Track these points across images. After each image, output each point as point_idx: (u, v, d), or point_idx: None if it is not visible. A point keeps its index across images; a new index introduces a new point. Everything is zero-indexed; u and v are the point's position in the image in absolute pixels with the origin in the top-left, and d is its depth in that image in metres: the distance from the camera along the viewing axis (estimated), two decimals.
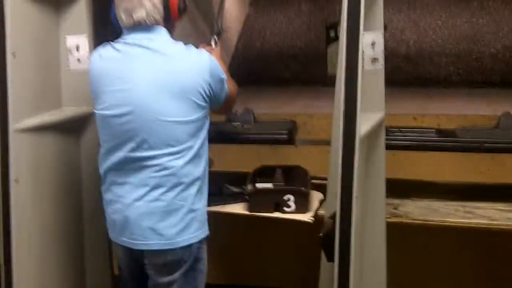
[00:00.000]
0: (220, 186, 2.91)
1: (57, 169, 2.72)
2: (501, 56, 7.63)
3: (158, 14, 2.28)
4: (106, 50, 2.34)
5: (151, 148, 2.25)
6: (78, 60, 2.76)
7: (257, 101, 6.49)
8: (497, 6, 7.78)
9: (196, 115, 2.27)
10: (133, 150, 2.27)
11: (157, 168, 2.26)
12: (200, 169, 2.33)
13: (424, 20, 8.07)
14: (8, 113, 2.41)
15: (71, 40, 2.74)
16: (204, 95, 2.27)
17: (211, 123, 2.44)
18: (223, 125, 3.10)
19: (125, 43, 2.29)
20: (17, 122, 2.45)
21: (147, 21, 2.25)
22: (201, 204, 2.37)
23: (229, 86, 2.44)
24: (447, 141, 2.79)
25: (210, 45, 2.65)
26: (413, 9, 8.04)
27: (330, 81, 7.78)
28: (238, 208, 2.79)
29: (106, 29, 2.71)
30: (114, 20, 2.34)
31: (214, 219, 2.53)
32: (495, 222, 2.61)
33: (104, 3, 2.76)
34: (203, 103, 2.28)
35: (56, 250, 2.73)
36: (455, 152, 2.84)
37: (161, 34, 2.29)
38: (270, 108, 6.44)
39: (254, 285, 3.71)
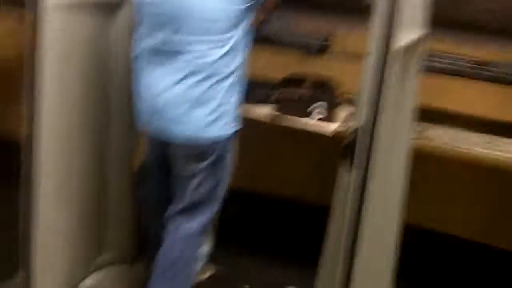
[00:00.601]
0: (250, 87, 2.88)
1: (88, 54, 2.66)
2: None
3: None
4: None
5: (190, 33, 2.23)
6: None
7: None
8: None
9: (240, 5, 2.24)
10: (172, 34, 2.25)
11: (194, 55, 2.25)
12: (235, 64, 2.31)
13: None
14: None
15: None
16: None
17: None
18: (261, 27, 3.04)
19: None
20: None
21: None
22: (233, 100, 2.36)
23: None
24: (483, 69, 2.72)
25: None
26: None
27: (366, 11, 7.62)
28: (265, 111, 2.78)
29: None
30: None
31: (241, 118, 2.52)
32: None
33: None
34: None
35: (80, 130, 2.72)
36: (489, 82, 2.77)
37: None
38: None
39: (271, 192, 3.77)
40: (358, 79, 2.55)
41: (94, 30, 2.69)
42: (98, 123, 2.82)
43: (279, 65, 3.18)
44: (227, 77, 2.29)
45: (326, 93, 2.79)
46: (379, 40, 2.15)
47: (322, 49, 2.94)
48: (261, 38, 2.89)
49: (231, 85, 2.31)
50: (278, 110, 2.73)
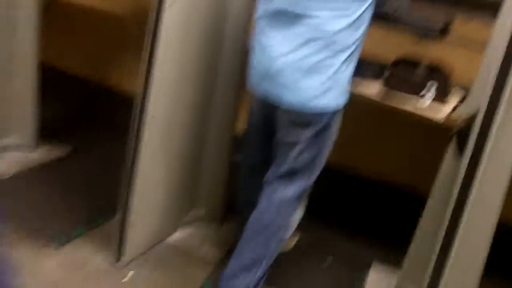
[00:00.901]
0: (363, 64, 2.85)
1: (206, 14, 2.70)
2: None
3: None
4: None
5: (313, 2, 2.20)
6: None
7: None
8: None
9: None
10: (294, 1, 2.23)
11: (317, 21, 2.21)
12: (355, 37, 2.27)
13: None
14: None
15: None
16: None
17: None
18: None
19: None
20: None
21: None
22: (347, 73, 2.33)
23: None
24: None
25: None
26: None
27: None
28: (376, 87, 2.75)
29: None
30: None
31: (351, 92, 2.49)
32: None
33: None
34: None
35: (188, 93, 2.79)
36: None
37: None
38: None
39: (366, 172, 3.74)
40: (475, 67, 2.49)
41: None
42: (206, 82, 2.88)
43: (394, 45, 3.12)
44: (346, 49, 2.26)
45: (440, 78, 2.71)
46: (504, 33, 2.07)
47: (441, 33, 2.84)
48: (379, 15, 2.85)
49: (348, 57, 2.28)
50: (389, 87, 2.67)
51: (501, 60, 2.09)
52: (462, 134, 2.23)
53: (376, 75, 2.78)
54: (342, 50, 2.25)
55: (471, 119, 2.23)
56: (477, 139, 2.12)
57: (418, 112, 2.65)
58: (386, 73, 2.71)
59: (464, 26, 3.16)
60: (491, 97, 2.10)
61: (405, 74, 2.65)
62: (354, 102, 2.49)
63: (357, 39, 2.27)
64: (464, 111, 2.40)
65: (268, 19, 2.32)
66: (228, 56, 2.87)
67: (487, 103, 2.11)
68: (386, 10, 2.84)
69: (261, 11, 2.35)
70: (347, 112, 2.47)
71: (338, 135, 2.51)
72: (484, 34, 2.55)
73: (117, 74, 4.66)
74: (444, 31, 2.90)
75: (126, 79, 4.46)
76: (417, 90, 2.63)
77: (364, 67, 2.82)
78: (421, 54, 2.99)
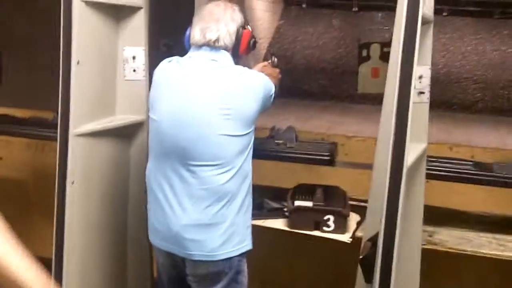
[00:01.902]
0: (260, 200, 3.00)
1: (108, 173, 2.83)
2: None
3: (230, 42, 2.39)
4: (170, 64, 2.44)
5: (198, 160, 2.32)
6: (134, 70, 2.87)
7: (284, 113, 6.64)
8: None
9: (246, 131, 2.36)
10: (180, 160, 2.34)
11: (202, 181, 2.32)
12: (245, 184, 2.40)
13: (453, 45, 8.20)
14: (69, 119, 2.54)
15: (129, 51, 2.86)
16: (256, 112, 2.38)
17: (254, 139, 2.50)
18: (266, 142, 3.20)
19: (189, 59, 2.41)
20: (76, 127, 2.57)
21: (217, 43, 2.37)
22: (244, 219, 2.43)
23: (275, 82, 2.55)
24: (485, 175, 2.87)
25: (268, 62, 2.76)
26: (444, 32, 8.15)
27: (359, 100, 7.90)
28: (278, 224, 2.89)
29: (158, 43, 2.82)
30: (186, 40, 2.46)
31: (253, 232, 2.61)
32: None
33: (158, 19, 2.89)
34: (253, 119, 2.39)
35: (100, 249, 2.83)
36: (492, 186, 2.92)
37: (225, 57, 2.39)
38: (297, 121, 6.60)
39: None
40: (365, 186, 2.70)
41: (115, 152, 2.86)
42: (117, 241, 2.93)
43: (287, 175, 3.31)
44: (236, 198, 2.37)
45: (337, 201, 2.90)
46: (392, 156, 2.29)
47: (329, 162, 3.07)
48: (270, 154, 3.05)
49: (241, 206, 2.39)
50: (291, 224, 2.83)
51: (389, 180, 2.30)
52: (366, 262, 2.37)
53: (277, 211, 2.92)
54: (236, 198, 2.36)
55: (372, 244, 2.38)
56: (379, 264, 2.28)
57: (326, 236, 2.80)
58: (286, 207, 2.84)
59: (349, 147, 3.43)
60: (384, 220, 2.28)
61: (303, 208, 2.80)
62: (263, 237, 2.61)
63: (248, 184, 2.41)
64: (365, 234, 2.57)
65: (161, 178, 2.41)
66: (134, 213, 2.95)
67: (381, 227, 2.28)
68: (276, 148, 3.04)
69: (153, 171, 2.45)
70: (258, 246, 2.58)
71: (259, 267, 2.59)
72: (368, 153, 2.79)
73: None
74: (332, 155, 3.11)
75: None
76: (317, 221, 2.78)
77: (264, 204, 3.00)
78: (313, 178, 3.20)
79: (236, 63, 2.45)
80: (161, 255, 2.54)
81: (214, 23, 2.37)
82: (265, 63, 2.75)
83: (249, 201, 2.47)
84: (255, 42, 2.52)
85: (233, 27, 2.39)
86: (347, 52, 8.39)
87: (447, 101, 7.68)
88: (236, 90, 2.33)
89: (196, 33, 2.39)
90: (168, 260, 2.51)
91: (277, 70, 2.72)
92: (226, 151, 2.32)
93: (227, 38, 2.38)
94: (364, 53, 6.99)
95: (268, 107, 2.49)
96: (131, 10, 2.82)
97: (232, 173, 2.34)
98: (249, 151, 2.41)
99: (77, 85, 2.54)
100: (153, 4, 2.96)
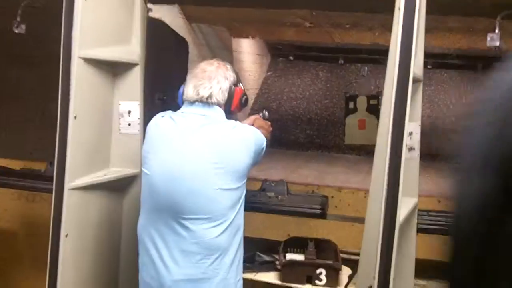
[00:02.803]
0: (252, 253, 3.02)
1: (101, 226, 2.85)
2: None
3: (222, 99, 2.46)
4: (163, 119, 2.49)
5: (190, 214, 2.34)
6: (129, 124, 2.91)
7: (271, 163, 6.68)
8: None
9: (238, 185, 2.39)
10: (173, 214, 2.37)
11: (195, 235, 2.35)
12: (236, 238, 2.43)
13: (438, 97, 8.33)
14: (65, 172, 2.57)
15: (124, 106, 2.90)
16: (248, 165, 2.43)
17: (246, 191, 2.53)
18: (258, 195, 3.23)
19: (182, 114, 2.46)
20: (72, 180, 2.60)
21: (209, 99, 2.43)
22: (236, 273, 2.45)
23: (266, 135, 2.61)
24: None
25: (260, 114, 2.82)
26: (428, 85, 8.28)
27: (346, 150, 7.92)
28: (270, 277, 2.90)
29: (153, 97, 2.87)
30: (180, 97, 2.53)
31: (245, 285, 2.63)
32: None
33: (153, 74, 2.96)
34: (245, 172, 2.43)
35: None
36: None
37: (218, 112, 2.46)
38: (284, 171, 6.63)
39: None
40: (355, 238, 2.74)
41: (108, 204, 2.88)
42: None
43: (279, 227, 3.33)
44: (227, 253, 2.39)
45: (329, 254, 2.92)
46: (384, 211, 2.33)
47: (320, 215, 3.11)
48: (262, 207, 3.09)
49: (233, 260, 2.41)
50: (283, 278, 2.84)
51: (381, 235, 2.33)
52: None
53: (269, 265, 2.94)
54: (227, 252, 2.38)
55: None
56: None
57: None
58: (278, 261, 2.86)
59: (340, 200, 3.47)
60: (379, 277, 2.31)
61: (295, 260, 2.81)
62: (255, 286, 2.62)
63: (239, 238, 2.44)
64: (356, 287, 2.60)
65: (153, 232, 2.42)
66: (126, 266, 2.95)
67: (377, 286, 2.31)
68: (268, 201, 3.07)
69: (145, 225, 2.47)
70: None
71: None
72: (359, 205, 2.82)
73: None
74: (323, 208, 3.15)
75: None
76: (309, 275, 2.80)
77: (256, 257, 3.01)
78: (304, 231, 3.23)
79: (228, 117, 2.50)
80: None
81: (207, 80, 2.44)
82: (257, 115, 2.82)
83: (240, 254, 2.49)
84: (246, 99, 2.60)
85: (225, 85, 2.47)
86: (333, 103, 8.50)
87: (433, 152, 7.75)
88: (228, 145, 2.38)
89: (189, 90, 2.45)
90: None
91: (268, 123, 2.78)
92: (219, 205, 2.35)
93: (220, 95, 2.45)
94: (351, 105, 7.11)
95: (259, 160, 2.54)
96: (128, 67, 2.89)
97: (225, 227, 2.36)
98: (241, 204, 2.44)
99: (73, 139, 2.58)
100: (149, 60, 3.02)
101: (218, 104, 2.46)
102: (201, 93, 2.43)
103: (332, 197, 3.55)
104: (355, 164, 6.64)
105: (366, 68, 8.03)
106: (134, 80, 2.92)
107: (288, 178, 5.69)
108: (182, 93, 2.50)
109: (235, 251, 2.43)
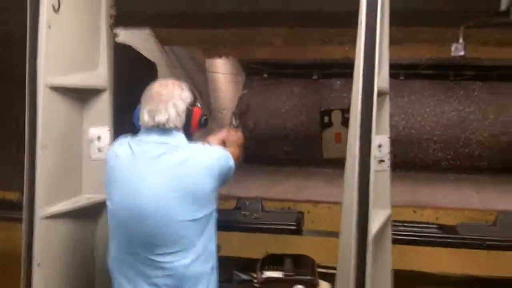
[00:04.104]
0: (229, 272, 3.01)
1: (75, 252, 2.81)
2: (487, 143, 7.93)
3: (180, 122, 2.37)
4: (122, 149, 2.41)
5: (155, 246, 2.29)
6: (99, 149, 2.90)
7: (249, 180, 6.68)
8: (483, 95, 8.12)
9: (204, 212, 2.33)
10: (141, 248, 2.32)
11: (163, 266, 2.30)
12: (208, 264, 2.38)
13: (412, 107, 8.40)
14: (34, 202, 2.55)
15: (94, 132, 2.89)
16: (213, 190, 2.35)
17: (220, 210, 2.49)
18: (233, 213, 3.23)
19: (140, 142, 2.38)
20: (42, 209, 2.58)
21: (167, 125, 2.34)
22: None
23: (235, 152, 2.55)
24: (449, 237, 2.94)
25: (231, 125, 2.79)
26: (402, 96, 8.35)
27: (324, 164, 7.93)
28: None
29: (123, 122, 2.86)
30: (136, 120, 2.44)
31: None
32: None
33: (124, 95, 2.95)
34: (211, 197, 2.35)
35: None
36: (457, 248, 2.99)
37: (176, 138, 2.37)
38: (262, 187, 6.63)
39: None
40: (333, 252, 2.74)
41: (80, 231, 2.85)
42: None
43: (256, 245, 3.33)
44: (200, 280, 2.34)
45: (306, 270, 2.92)
46: (356, 225, 2.34)
47: (295, 231, 3.11)
48: (236, 226, 3.08)
49: (207, 285, 2.37)
50: None
51: (355, 248, 2.34)
52: None
53: (247, 285, 2.94)
54: (200, 279, 2.34)
55: None
56: None
57: None
58: (257, 279, 2.86)
59: (314, 216, 3.48)
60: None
61: (273, 279, 2.81)
62: None
63: (212, 264, 2.39)
64: None
65: (122, 264, 2.38)
66: None
67: None
68: (242, 220, 3.07)
69: (114, 256, 2.42)
70: None
71: None
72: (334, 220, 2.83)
73: None
74: (299, 224, 3.15)
75: None
76: None
77: (233, 278, 3.01)
78: (281, 247, 3.23)
79: (188, 138, 2.43)
80: None
81: (163, 104, 2.34)
82: (229, 130, 2.75)
83: (215, 279, 2.43)
84: (206, 120, 2.49)
85: (182, 107, 2.37)
86: (309, 118, 8.53)
87: (409, 162, 7.82)
88: (188, 173, 2.29)
89: (144, 115, 2.36)
90: None
91: (239, 134, 2.72)
92: (186, 236, 2.29)
93: (177, 118, 2.36)
94: (326, 119, 7.14)
95: (228, 180, 2.46)
96: (96, 92, 2.88)
97: (195, 256, 2.31)
98: (211, 230, 2.38)
99: (42, 168, 2.56)
100: (117, 84, 3.01)
101: (176, 129, 2.37)
102: (157, 119, 2.34)
103: (309, 212, 3.56)
104: (334, 178, 6.64)
105: (338, 82, 8.09)
106: (103, 105, 2.91)
107: (266, 194, 5.72)
108: (138, 117, 2.42)
109: (209, 277, 2.38)
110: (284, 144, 8.61)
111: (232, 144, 2.62)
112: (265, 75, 9.14)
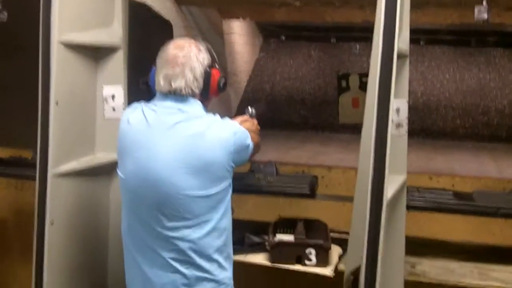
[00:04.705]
0: (242, 235, 2.99)
1: (88, 212, 2.81)
2: (507, 111, 7.83)
3: (197, 88, 2.27)
4: (134, 115, 2.32)
5: (166, 219, 2.22)
6: (113, 108, 2.87)
7: (265, 144, 6.65)
8: (504, 62, 8.01)
9: (218, 188, 2.24)
10: (151, 219, 2.25)
11: (173, 240, 2.23)
12: (220, 240, 2.29)
13: (431, 73, 8.30)
14: (48, 159, 2.54)
15: (108, 90, 2.86)
16: (228, 167, 2.25)
17: (234, 173, 2.40)
18: (247, 176, 3.20)
19: (155, 109, 2.28)
20: (55, 167, 2.57)
21: (183, 91, 2.24)
22: (224, 274, 2.32)
23: (254, 138, 2.41)
24: (465, 205, 2.90)
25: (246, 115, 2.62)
26: (421, 61, 8.25)
27: (340, 129, 7.92)
28: (259, 259, 2.87)
29: (137, 80, 2.81)
30: (152, 83, 2.34)
31: (235, 267, 2.60)
32: (509, 286, 2.69)
33: (138, 56, 2.92)
34: (226, 174, 2.26)
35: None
36: (472, 215, 2.94)
37: (193, 106, 2.27)
38: (277, 152, 6.61)
39: None
40: (346, 217, 2.71)
41: (95, 190, 2.85)
42: (98, 282, 2.92)
43: (269, 209, 3.31)
44: (212, 255, 2.27)
45: (318, 234, 2.90)
46: (371, 190, 2.31)
47: (309, 195, 3.08)
48: (250, 189, 3.06)
49: (220, 261, 2.29)
50: (272, 259, 2.82)
51: (369, 214, 2.31)
52: None
53: (259, 246, 2.92)
54: (212, 254, 2.26)
55: (355, 277, 2.39)
56: None
57: (308, 270, 2.79)
58: (268, 242, 2.84)
59: (329, 180, 3.45)
60: (366, 253, 2.29)
61: (285, 242, 2.79)
62: (245, 268, 2.60)
63: (224, 239, 2.30)
64: (347, 268, 2.58)
65: (133, 234, 2.32)
66: (114, 253, 2.92)
67: (363, 260, 2.29)
68: (256, 183, 3.05)
69: (126, 224, 2.36)
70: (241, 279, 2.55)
71: None
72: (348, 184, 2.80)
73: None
74: (312, 188, 3.13)
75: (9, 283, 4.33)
76: (299, 255, 2.78)
77: (245, 238, 2.99)
78: (294, 211, 3.21)
79: (206, 104, 2.34)
80: None
81: (179, 68, 2.23)
82: (244, 117, 2.58)
83: (229, 255, 2.36)
84: (225, 83, 2.38)
85: (200, 70, 2.26)
86: (326, 83, 8.47)
87: (427, 129, 7.76)
88: (203, 145, 2.19)
89: (161, 80, 2.25)
90: None
91: (255, 122, 2.57)
92: (198, 211, 2.21)
93: (194, 84, 2.25)
94: (344, 83, 7.08)
95: (245, 159, 2.36)
96: (110, 51, 2.83)
97: (206, 230, 2.23)
98: (226, 206, 2.29)
99: (55, 125, 2.55)
100: (132, 44, 2.97)
101: (193, 94, 2.27)
102: (174, 85, 2.23)
103: (323, 177, 3.53)
104: (350, 143, 6.62)
105: (357, 46, 7.99)
106: (117, 64, 2.86)
107: (281, 159, 5.70)
108: (154, 81, 2.31)
109: (222, 253, 2.30)
110: (300, 108, 8.58)
111: (249, 132, 2.50)
112: (283, 38, 9.07)
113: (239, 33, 8.50)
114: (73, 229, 2.72)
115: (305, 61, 9.06)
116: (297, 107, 8.63)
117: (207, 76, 2.29)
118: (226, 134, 2.24)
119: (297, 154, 6.78)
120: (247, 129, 2.38)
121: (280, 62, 9.23)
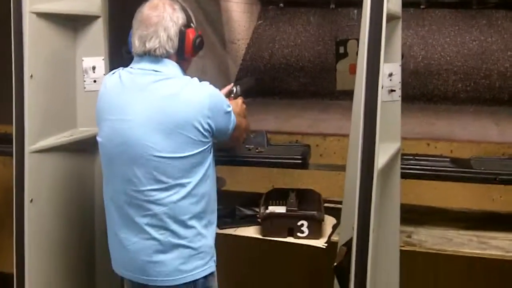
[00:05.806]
0: (232, 207, 2.90)
1: (72, 188, 2.73)
2: (509, 74, 7.69)
3: (172, 48, 2.21)
4: (111, 78, 2.29)
5: (141, 183, 2.18)
6: (94, 81, 2.76)
7: (264, 113, 6.55)
8: (507, 24, 7.83)
9: (192, 151, 2.17)
10: (125, 183, 2.21)
11: (147, 204, 2.19)
12: (198, 207, 2.24)
13: (432, 37, 8.14)
14: (24, 135, 2.44)
15: (88, 62, 2.75)
16: (203, 130, 2.17)
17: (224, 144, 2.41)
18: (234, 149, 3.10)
19: (131, 71, 2.25)
20: (32, 143, 2.48)
21: (158, 51, 2.19)
22: (203, 242, 2.27)
23: (239, 119, 2.37)
24: (462, 172, 2.78)
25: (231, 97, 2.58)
26: (422, 25, 8.09)
27: (340, 96, 7.85)
28: (250, 232, 2.78)
29: (120, 50, 2.71)
30: (130, 47, 2.29)
31: (225, 241, 2.53)
32: (509, 254, 2.60)
33: (120, 25, 2.79)
34: (202, 139, 2.19)
35: (66, 267, 2.74)
36: (470, 182, 2.84)
37: (168, 67, 2.22)
38: (277, 120, 6.51)
39: None
40: (341, 187, 2.61)
41: (77, 166, 2.76)
42: (84, 259, 2.85)
43: (262, 180, 3.22)
44: (189, 220, 2.22)
45: (311, 205, 2.80)
46: (361, 159, 2.20)
47: (301, 165, 2.97)
48: (240, 160, 2.96)
49: (198, 228, 2.24)
50: (264, 232, 2.73)
51: (359, 183, 2.21)
52: (341, 269, 2.29)
53: (250, 218, 2.84)
54: (189, 220, 2.22)
55: (348, 249, 2.30)
56: (357, 273, 2.19)
57: (300, 242, 2.70)
58: (259, 214, 2.75)
59: (322, 148, 3.34)
60: (358, 224, 2.20)
61: (276, 214, 2.70)
62: (237, 242, 2.52)
63: (204, 205, 2.26)
64: (341, 239, 2.48)
65: (113, 201, 2.29)
66: (101, 229, 2.83)
67: (355, 231, 2.20)
68: (247, 154, 2.94)
69: (106, 192, 2.33)
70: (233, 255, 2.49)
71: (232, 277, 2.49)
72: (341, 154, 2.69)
73: None
74: (305, 158, 3.02)
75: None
76: (291, 227, 2.69)
77: (236, 211, 2.90)
78: (288, 182, 3.11)
79: (185, 66, 2.30)
80: (126, 284, 2.41)
81: (153, 28, 2.19)
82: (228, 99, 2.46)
83: (210, 221, 2.31)
84: (201, 42, 2.30)
85: (174, 30, 2.21)
86: (326, 50, 8.33)
87: (428, 93, 7.64)
88: (176, 106, 2.14)
89: (136, 41, 2.22)
90: (132, 284, 2.36)
91: (240, 101, 2.52)
92: (170, 173, 2.16)
93: (169, 44, 2.20)
94: (341, 50, 6.92)
95: (226, 127, 2.28)
96: (88, 20, 2.72)
97: (182, 194, 2.19)
98: (204, 171, 2.23)
99: (31, 100, 2.44)
100: (113, 12, 2.85)
101: (168, 55, 2.21)
102: (148, 45, 2.18)
103: (317, 145, 3.43)
104: (350, 110, 6.49)
105: (355, 11, 7.83)
106: (97, 33, 2.76)
107: (281, 128, 5.60)
108: (131, 44, 2.27)
109: (201, 219, 2.25)
110: (300, 75, 8.45)
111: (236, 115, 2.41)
112: (281, 5, 8.91)
113: (236, 1, 8.35)
114: (56, 206, 2.64)
115: (304, 28, 8.92)
116: (297, 75, 8.50)
117: (181, 35, 2.23)
118: (201, 96, 2.18)
119: (297, 122, 6.67)
120: (236, 112, 2.33)
121: (279, 29, 9.09)
